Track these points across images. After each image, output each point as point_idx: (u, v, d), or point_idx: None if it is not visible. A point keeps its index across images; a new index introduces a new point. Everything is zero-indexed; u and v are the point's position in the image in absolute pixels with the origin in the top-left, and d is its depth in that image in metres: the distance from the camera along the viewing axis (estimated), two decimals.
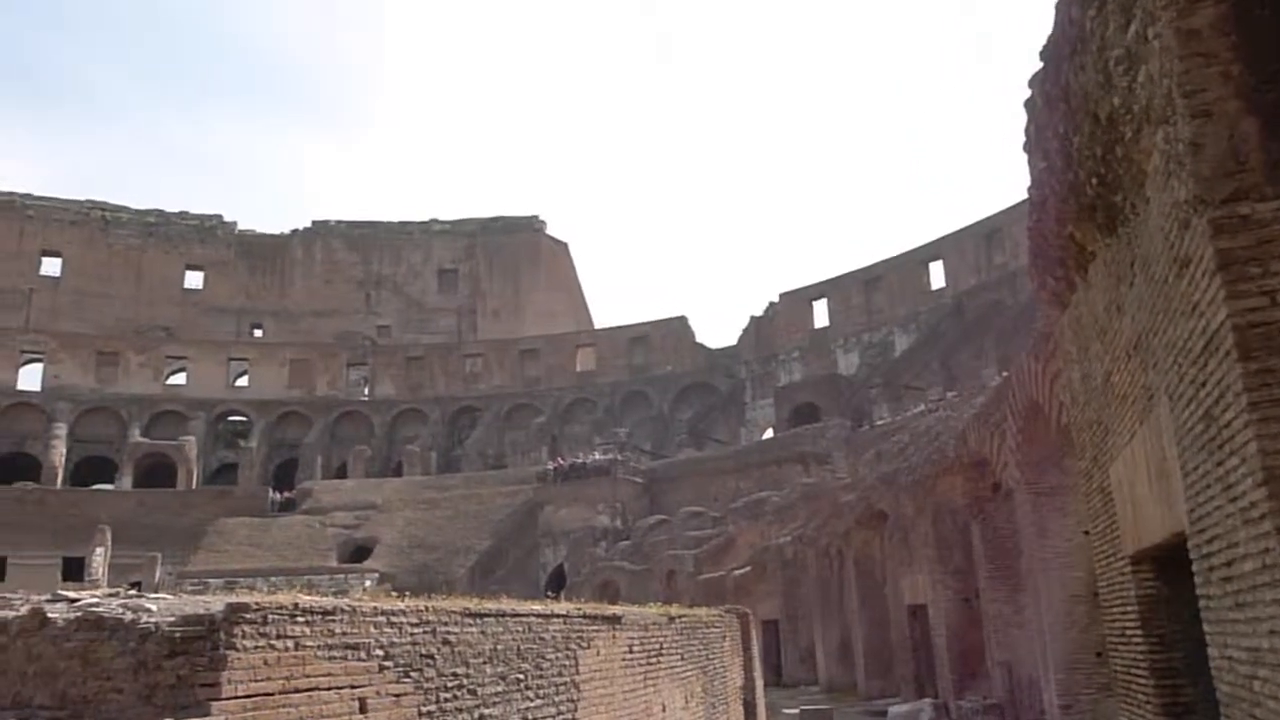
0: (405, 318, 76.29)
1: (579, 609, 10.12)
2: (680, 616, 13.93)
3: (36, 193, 72.90)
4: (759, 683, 18.59)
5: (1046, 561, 12.78)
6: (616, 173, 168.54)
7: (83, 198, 74.18)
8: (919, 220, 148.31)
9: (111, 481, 58.98)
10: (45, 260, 71.12)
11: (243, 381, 68.38)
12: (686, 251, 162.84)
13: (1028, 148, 8.00)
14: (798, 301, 61.59)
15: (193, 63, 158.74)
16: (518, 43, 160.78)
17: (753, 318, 63.64)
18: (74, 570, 43.77)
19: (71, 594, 6.04)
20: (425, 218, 79.87)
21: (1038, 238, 7.92)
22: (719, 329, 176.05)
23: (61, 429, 59.90)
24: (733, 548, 35.58)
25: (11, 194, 71.68)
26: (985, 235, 52.56)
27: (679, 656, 13.35)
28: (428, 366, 69.54)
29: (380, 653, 6.56)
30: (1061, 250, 7.41)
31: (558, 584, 42.10)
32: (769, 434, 56.18)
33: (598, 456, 49.86)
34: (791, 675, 28.32)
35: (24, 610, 5.64)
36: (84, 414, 61.87)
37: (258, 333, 74.23)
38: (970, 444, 16.59)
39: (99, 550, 44.28)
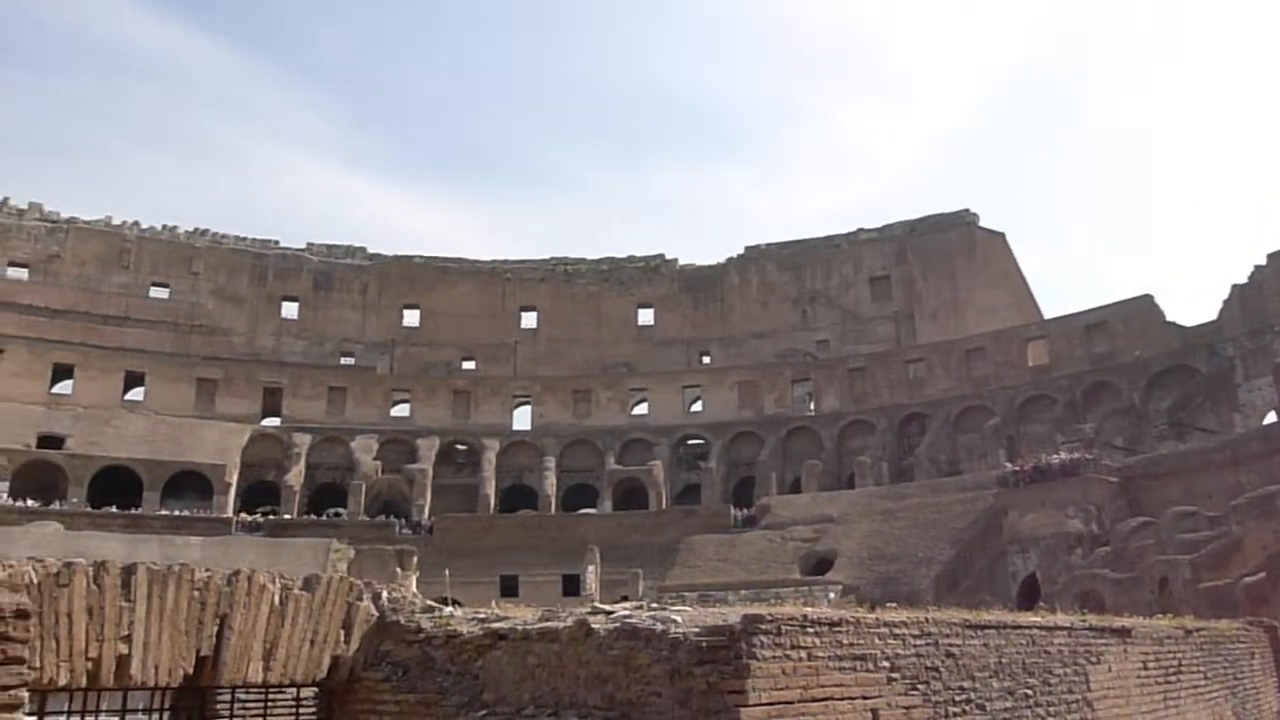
0: (842, 330, 76.71)
1: (1083, 620, 9.36)
2: (1198, 629, 12.38)
3: (511, 258, 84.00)
4: None
5: None
6: (1047, 147, 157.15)
7: (547, 255, 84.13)
8: None
9: (594, 506, 65.49)
10: (524, 315, 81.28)
11: (697, 407, 72.85)
12: (1145, 222, 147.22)
13: None
14: None
15: (628, 121, 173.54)
16: (915, 39, 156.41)
17: (1235, 286, 55.66)
18: (571, 586, 49.02)
19: (607, 606, 6.69)
20: (851, 228, 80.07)
21: None
22: (1193, 304, 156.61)
23: (551, 461, 67.77)
24: (1239, 551, 31.16)
25: (493, 262, 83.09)
26: None
27: (1201, 675, 11.87)
28: (870, 376, 69.21)
29: (886, 664, 6.52)
30: None
31: (1030, 594, 39.60)
32: (1270, 418, 48.77)
33: (1062, 456, 46.23)
34: None
35: (570, 622, 6.35)
36: (567, 447, 69.56)
37: (705, 360, 78.65)
38: None
39: (590, 567, 49.11)
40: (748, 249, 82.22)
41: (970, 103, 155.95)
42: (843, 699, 6.13)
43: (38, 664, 5.45)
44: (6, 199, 71.66)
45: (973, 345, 66.32)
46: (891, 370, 68.88)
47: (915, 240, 76.68)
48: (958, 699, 7.16)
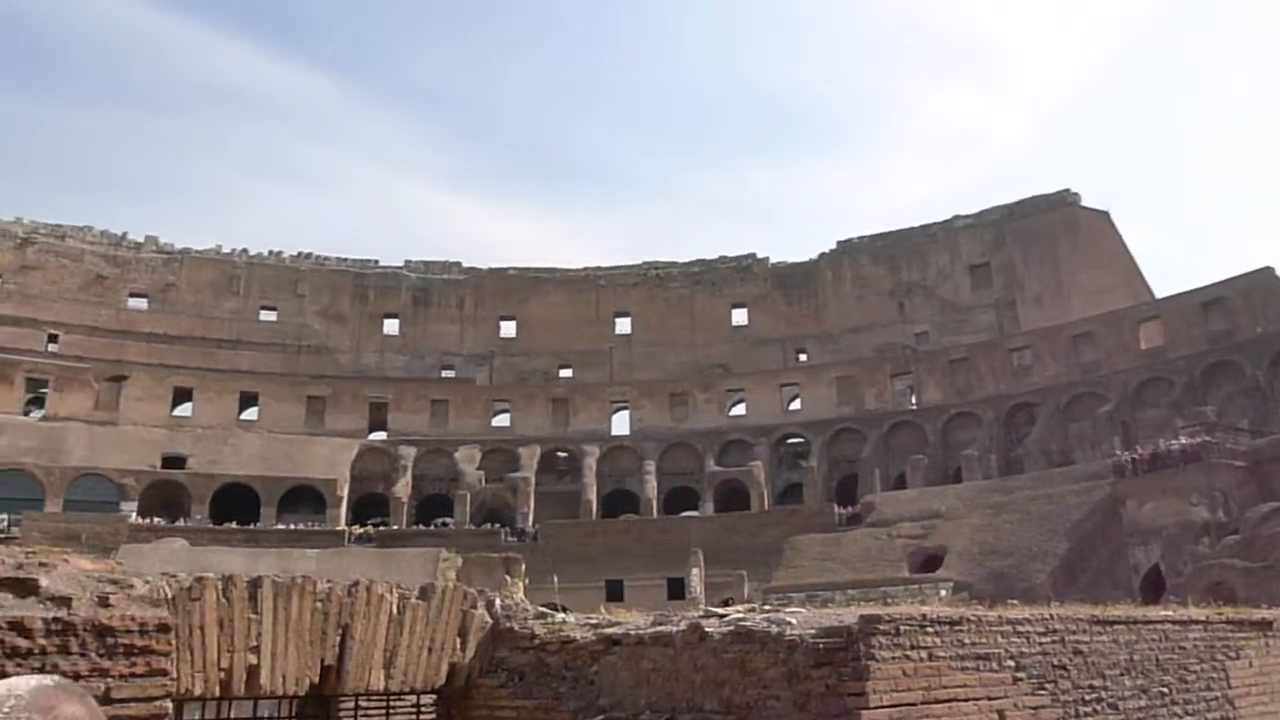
0: (941, 321, 75.02)
1: (1219, 613, 8.93)
2: None
3: (603, 265, 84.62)
4: None
5: None
6: (1154, 117, 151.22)
7: (639, 261, 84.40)
8: None
9: (696, 508, 65.37)
10: (618, 321, 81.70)
11: (795, 405, 72.10)
12: (1262, 189, 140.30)
13: None
14: None
15: (716, 122, 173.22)
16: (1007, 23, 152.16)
17: None
18: (675, 589, 48.95)
19: (720, 610, 6.64)
20: (946, 215, 78.34)
21: None
22: None
23: (651, 465, 67.92)
24: None
25: (586, 269, 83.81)
26: None
27: None
28: (973, 367, 67.56)
29: (1011, 663, 6.31)
30: None
31: (1154, 587, 38.06)
32: None
33: (1183, 441, 44.37)
34: None
35: (683, 626, 6.32)
36: (666, 450, 69.64)
37: (802, 357, 77.82)
38: None
39: (694, 570, 49.03)
40: (840, 243, 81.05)
41: (1071, 78, 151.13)
42: (967, 700, 5.96)
43: (175, 675, 5.68)
44: (125, 234, 75.37)
45: (1080, 330, 64.12)
46: (995, 360, 67.10)
47: (1014, 224, 74.55)
48: (1088, 698, 6.89)
